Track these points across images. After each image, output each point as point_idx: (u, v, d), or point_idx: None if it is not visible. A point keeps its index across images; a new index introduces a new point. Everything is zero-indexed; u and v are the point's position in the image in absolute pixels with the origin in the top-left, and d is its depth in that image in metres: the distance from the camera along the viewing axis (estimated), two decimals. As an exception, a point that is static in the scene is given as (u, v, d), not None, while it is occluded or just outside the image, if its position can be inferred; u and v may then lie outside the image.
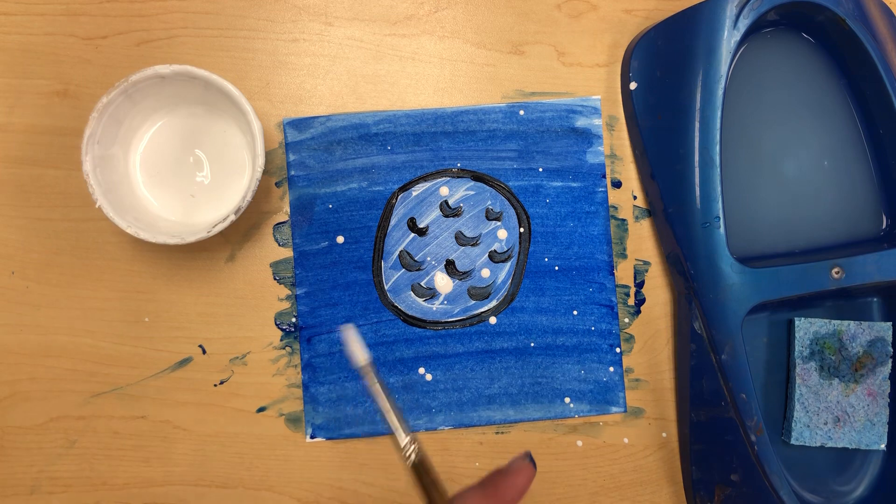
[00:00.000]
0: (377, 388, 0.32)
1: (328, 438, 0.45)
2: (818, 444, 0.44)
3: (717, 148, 0.42)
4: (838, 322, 0.44)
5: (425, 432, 0.46)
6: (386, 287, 0.46)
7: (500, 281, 0.47)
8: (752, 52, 0.46)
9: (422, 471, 0.31)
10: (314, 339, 0.45)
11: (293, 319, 0.46)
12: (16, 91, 0.46)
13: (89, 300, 0.45)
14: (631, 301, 0.47)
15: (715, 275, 0.42)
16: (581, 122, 0.47)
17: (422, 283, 0.46)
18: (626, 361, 0.47)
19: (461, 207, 0.47)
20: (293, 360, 0.46)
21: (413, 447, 0.32)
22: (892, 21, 0.45)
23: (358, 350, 0.33)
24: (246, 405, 0.45)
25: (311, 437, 0.45)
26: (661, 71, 0.45)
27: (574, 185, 0.47)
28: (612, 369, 0.46)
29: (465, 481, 0.46)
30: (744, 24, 0.42)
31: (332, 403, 0.45)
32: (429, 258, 0.46)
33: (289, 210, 0.46)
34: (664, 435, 0.47)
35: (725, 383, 0.42)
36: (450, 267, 0.46)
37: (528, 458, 0.33)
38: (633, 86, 0.46)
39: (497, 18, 0.48)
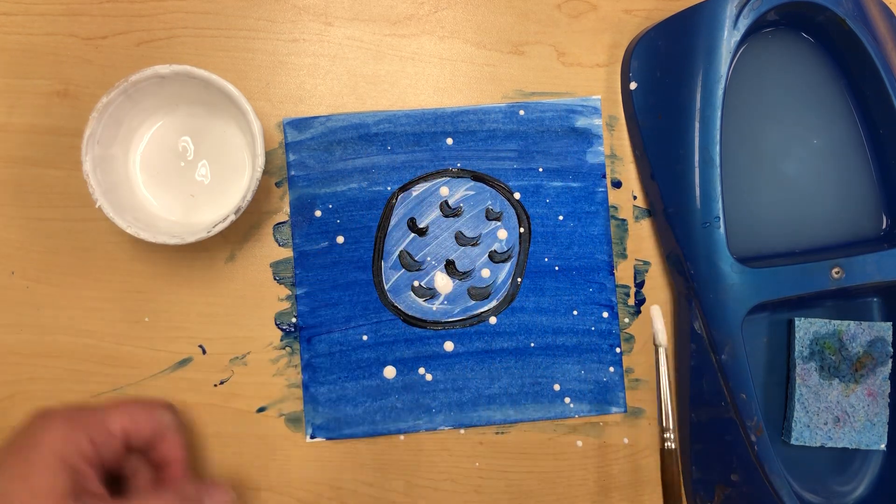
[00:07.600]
0: None
1: (328, 438, 0.45)
2: (818, 444, 0.44)
3: (717, 148, 0.42)
4: (838, 322, 0.44)
5: (425, 432, 0.46)
6: (386, 287, 0.46)
7: (500, 281, 0.47)
8: (752, 52, 0.46)
9: None
10: (314, 339, 0.45)
11: (293, 319, 0.46)
12: (16, 91, 0.46)
13: (89, 300, 0.45)
14: (631, 301, 0.47)
15: (715, 275, 0.42)
16: (581, 122, 0.47)
17: (422, 283, 0.46)
18: (626, 361, 0.47)
19: (461, 207, 0.47)
20: (293, 360, 0.46)
21: None
22: (892, 21, 0.45)
23: None
24: (246, 405, 0.45)
25: (311, 438, 0.45)
26: (661, 71, 0.45)
27: (574, 185, 0.47)
28: (612, 369, 0.46)
29: (465, 481, 0.46)
30: (744, 24, 0.42)
31: (332, 403, 0.45)
32: (429, 258, 0.46)
33: (289, 210, 0.46)
34: (664, 435, 0.47)
35: (725, 383, 0.42)
36: (450, 267, 0.46)
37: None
38: (633, 86, 0.46)
39: (497, 18, 0.48)
